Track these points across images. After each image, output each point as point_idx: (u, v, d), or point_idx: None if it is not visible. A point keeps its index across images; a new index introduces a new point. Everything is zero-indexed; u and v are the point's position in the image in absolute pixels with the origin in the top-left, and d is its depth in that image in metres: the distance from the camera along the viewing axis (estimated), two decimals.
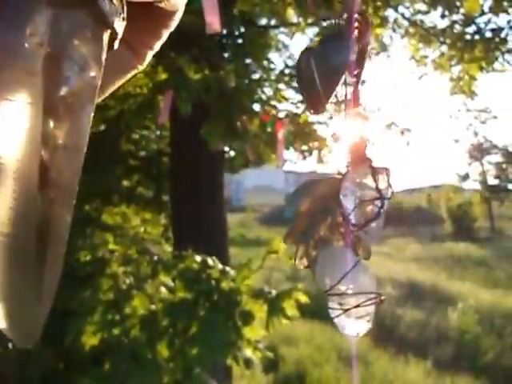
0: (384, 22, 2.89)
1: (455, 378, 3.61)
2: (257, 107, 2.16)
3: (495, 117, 14.30)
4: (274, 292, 1.61)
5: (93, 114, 0.18)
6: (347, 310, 0.19)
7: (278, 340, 4.06)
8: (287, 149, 2.66)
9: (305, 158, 3.58)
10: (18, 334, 0.17)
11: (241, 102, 1.73)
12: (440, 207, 13.26)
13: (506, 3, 2.71)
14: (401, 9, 3.11)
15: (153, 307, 1.72)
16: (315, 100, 0.19)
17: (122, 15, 0.18)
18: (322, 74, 0.18)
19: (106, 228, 3.39)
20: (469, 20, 2.90)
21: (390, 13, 3.06)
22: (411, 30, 3.38)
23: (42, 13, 0.15)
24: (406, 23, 3.40)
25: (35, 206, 0.16)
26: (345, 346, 4.21)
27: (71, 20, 0.16)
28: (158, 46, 0.22)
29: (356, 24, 0.19)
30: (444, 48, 3.23)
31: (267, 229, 11.66)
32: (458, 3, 2.74)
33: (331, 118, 3.32)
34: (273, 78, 2.83)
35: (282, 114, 2.69)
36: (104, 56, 0.17)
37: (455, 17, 2.93)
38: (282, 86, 3.05)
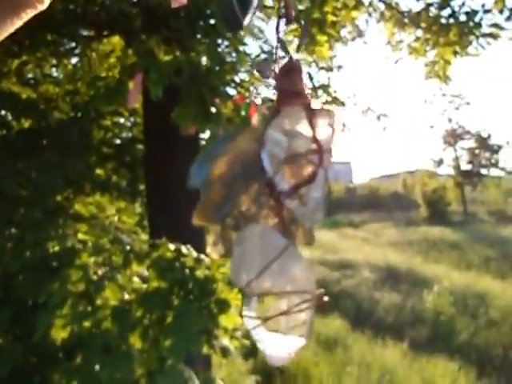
0: (359, 4, 2.85)
1: (431, 358, 3.68)
2: (231, 91, 2.11)
3: (468, 103, 14.55)
4: None
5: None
6: (268, 318, 0.13)
7: None
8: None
9: None
10: None
11: (213, 85, 1.67)
12: (415, 192, 13.48)
13: None
14: None
15: (126, 298, 1.67)
16: (234, 20, 0.15)
17: None
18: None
19: (79, 218, 3.29)
20: (444, 3, 2.89)
21: None
22: (387, 13, 3.36)
23: None
24: (381, 6, 3.38)
25: None
26: (323, 330, 4.24)
27: None
28: None
29: None
30: (419, 32, 3.23)
31: None
32: None
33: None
34: (248, 62, 2.77)
35: (258, 101, 2.64)
36: None
37: (429, 0, 2.91)
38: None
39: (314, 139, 0.13)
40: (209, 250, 0.16)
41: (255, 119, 1.81)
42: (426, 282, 6.08)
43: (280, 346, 0.13)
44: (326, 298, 0.14)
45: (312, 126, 0.14)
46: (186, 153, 2.73)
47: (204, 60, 1.91)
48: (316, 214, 0.14)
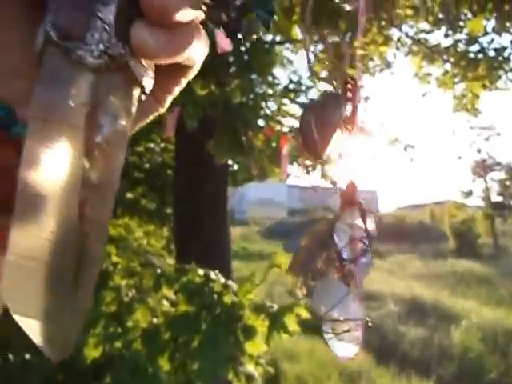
0: (388, 40, 2.93)
1: None
2: (261, 122, 2.19)
3: (498, 134, 14.34)
4: (275, 306, 1.61)
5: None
6: (338, 334, 0.21)
7: (279, 355, 4.02)
8: (291, 164, 2.68)
9: (308, 172, 3.60)
10: (53, 350, 0.19)
11: (246, 118, 1.75)
12: (443, 223, 13.21)
13: (508, 24, 2.74)
14: (404, 28, 3.16)
15: (155, 320, 1.72)
16: (313, 149, 0.21)
17: (150, 74, 0.20)
18: (319, 129, 0.20)
19: (109, 240, 3.41)
20: (472, 39, 2.94)
21: (393, 31, 3.10)
22: (415, 48, 3.42)
23: (86, 77, 0.18)
24: (409, 41, 3.45)
25: (75, 236, 0.18)
26: (347, 362, 4.17)
27: (109, 82, 0.19)
28: (177, 91, 0.24)
29: (348, 86, 0.21)
30: (447, 66, 3.27)
31: (269, 242, 11.63)
32: (461, 23, 2.78)
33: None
34: (277, 93, 2.87)
35: (286, 129, 2.72)
36: (134, 108, 0.20)
37: (458, 36, 2.97)
38: (286, 101, 3.09)
39: (365, 229, 0.20)
40: (296, 291, 0.22)
41: (285, 150, 1.88)
42: (454, 316, 5.91)
43: (344, 351, 0.20)
44: (369, 324, 0.21)
45: (363, 221, 0.20)
46: (215, 181, 2.81)
47: (237, 93, 2.01)
48: (366, 272, 0.21)
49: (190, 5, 0.20)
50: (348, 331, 0.21)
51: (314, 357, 4.32)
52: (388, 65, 3.83)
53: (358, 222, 0.21)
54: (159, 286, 1.81)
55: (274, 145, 1.92)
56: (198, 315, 1.70)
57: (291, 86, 3.21)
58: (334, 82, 0.22)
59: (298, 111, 3.03)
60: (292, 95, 3.04)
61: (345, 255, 0.21)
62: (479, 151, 14.24)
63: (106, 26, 0.18)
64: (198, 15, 0.21)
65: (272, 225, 14.25)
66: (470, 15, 2.81)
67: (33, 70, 0.20)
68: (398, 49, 3.48)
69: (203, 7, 0.21)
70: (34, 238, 0.18)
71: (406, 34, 3.11)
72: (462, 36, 2.97)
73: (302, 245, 0.21)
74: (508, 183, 13.91)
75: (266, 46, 2.51)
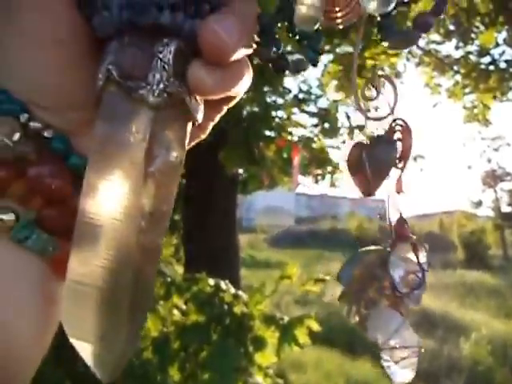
0: (398, 51, 2.94)
1: None
2: (272, 133, 2.20)
3: (508, 144, 14.25)
4: (286, 318, 1.61)
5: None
6: (396, 362, 0.22)
7: (286, 366, 4.00)
8: (302, 174, 2.69)
9: (317, 181, 3.61)
10: (104, 372, 0.20)
11: (258, 128, 1.77)
12: (452, 233, 13.11)
13: None
14: None
15: (165, 329, 1.73)
16: (366, 187, 0.22)
17: (202, 107, 0.21)
18: (372, 167, 0.21)
19: None
20: (483, 51, 2.94)
21: None
22: (425, 58, 3.43)
23: (146, 113, 0.19)
24: (420, 52, 3.45)
25: (131, 263, 0.19)
26: (353, 372, 4.14)
27: (165, 116, 0.21)
28: (218, 118, 0.25)
29: (399, 129, 0.22)
30: (458, 77, 3.27)
31: (277, 251, 11.60)
32: (472, 35, 2.78)
33: (344, 142, 3.35)
34: (287, 102, 2.89)
35: (295, 138, 2.74)
36: (187, 140, 0.21)
37: (470, 48, 2.97)
38: (295, 110, 3.11)
39: (418, 263, 0.21)
40: (350, 319, 0.23)
41: (296, 161, 1.89)
42: (463, 328, 5.85)
43: (402, 377, 0.21)
44: (422, 350, 0.22)
45: (416, 255, 0.21)
46: (224, 190, 2.83)
47: (248, 105, 2.02)
48: (418, 302, 0.22)
49: (244, 45, 0.21)
50: (405, 358, 0.22)
51: (321, 367, 4.29)
52: (398, 74, 3.84)
53: (411, 255, 0.22)
54: (170, 295, 1.81)
55: (285, 155, 1.94)
56: (208, 325, 1.70)
57: (301, 96, 3.23)
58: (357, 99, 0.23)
59: (308, 121, 3.05)
60: (302, 105, 3.06)
61: (400, 288, 0.22)
62: (489, 161, 14.16)
63: (166, 66, 0.20)
64: (249, 52, 0.22)
65: (279, 233, 14.23)
66: (481, 27, 2.81)
67: (90, 104, 0.21)
68: (408, 59, 3.48)
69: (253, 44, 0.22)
70: (90, 265, 0.19)
71: (417, 45, 3.11)
72: (473, 48, 2.97)
73: (355, 275, 0.22)
74: None
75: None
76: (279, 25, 0.22)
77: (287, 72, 0.23)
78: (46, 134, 0.21)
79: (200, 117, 0.22)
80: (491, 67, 3.02)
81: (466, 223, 12.86)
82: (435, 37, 3.01)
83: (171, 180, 0.21)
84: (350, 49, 3.07)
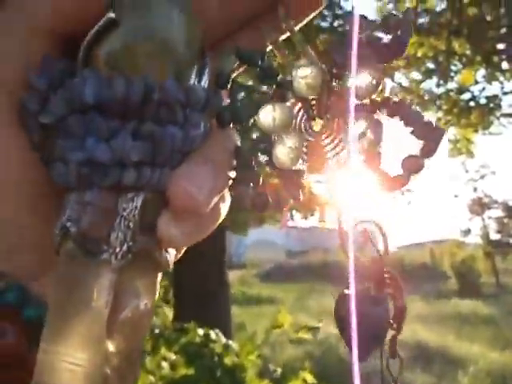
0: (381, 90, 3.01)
1: None
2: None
3: (493, 172, 14.51)
4: (279, 370, 1.55)
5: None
6: None
7: None
8: (291, 214, 2.68)
9: (306, 218, 3.59)
10: None
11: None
12: (443, 263, 13.10)
13: (498, 73, 2.83)
14: (397, 77, 3.25)
15: None
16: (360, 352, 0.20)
17: (173, 255, 0.20)
18: (364, 330, 0.19)
19: None
20: (463, 88, 3.02)
21: (386, 81, 3.18)
22: (407, 96, 3.51)
23: (107, 276, 0.17)
24: (400, 90, 3.54)
25: None
26: None
27: (132, 269, 0.19)
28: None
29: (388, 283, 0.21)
30: (440, 114, 3.34)
31: (268, 285, 11.44)
32: (452, 74, 2.86)
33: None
34: None
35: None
36: (157, 287, 0.21)
37: (450, 85, 3.05)
38: None
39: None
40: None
41: (286, 208, 1.88)
42: (461, 361, 5.75)
43: None
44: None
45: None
46: (214, 236, 2.80)
47: None
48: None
49: (219, 193, 0.19)
50: None
51: None
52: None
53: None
54: (158, 348, 1.75)
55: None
56: (198, 379, 1.64)
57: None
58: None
59: None
60: None
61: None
62: (475, 190, 14.35)
63: (131, 224, 0.18)
64: (226, 194, 0.20)
65: (270, 267, 14.09)
66: (459, 66, 2.90)
67: (47, 246, 0.19)
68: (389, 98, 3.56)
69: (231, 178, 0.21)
70: None
71: (400, 85, 3.19)
72: (453, 85, 3.06)
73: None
74: (506, 221, 13.92)
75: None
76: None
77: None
78: None
79: (171, 262, 0.20)
80: (472, 103, 3.10)
81: (457, 252, 12.89)
82: (416, 75, 3.10)
83: (141, 327, 0.20)
84: None
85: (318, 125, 0.20)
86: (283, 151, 0.20)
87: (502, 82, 2.90)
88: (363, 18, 0.21)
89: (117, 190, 0.18)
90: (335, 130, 0.20)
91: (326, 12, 2.57)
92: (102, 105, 0.17)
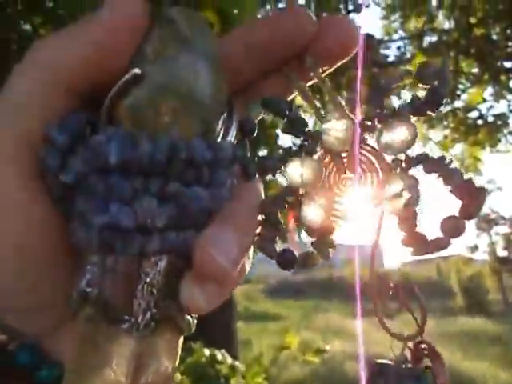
0: None
1: None
2: None
3: (500, 188, 14.43)
4: None
5: None
6: None
7: None
8: (298, 235, 2.67)
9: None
10: None
11: None
12: (450, 279, 12.95)
13: (505, 91, 2.82)
14: (403, 95, 3.25)
15: None
16: None
17: (194, 321, 0.19)
18: None
19: None
20: (471, 106, 3.01)
21: (393, 99, 3.18)
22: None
23: (128, 345, 0.16)
24: None
25: None
26: None
27: (153, 336, 0.18)
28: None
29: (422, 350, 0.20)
30: (447, 131, 3.33)
31: (274, 302, 11.36)
32: (458, 92, 2.86)
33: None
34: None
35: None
36: (179, 351, 0.20)
37: (457, 104, 3.04)
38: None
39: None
40: None
41: (292, 223, 1.86)
42: (470, 381, 5.64)
43: None
44: None
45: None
46: None
47: None
48: None
49: (245, 256, 0.19)
50: None
51: None
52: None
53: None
54: None
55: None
56: None
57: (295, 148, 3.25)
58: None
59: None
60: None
61: None
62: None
63: (154, 290, 0.17)
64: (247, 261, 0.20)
65: (275, 283, 13.99)
66: (467, 84, 2.90)
67: (62, 304, 0.19)
68: None
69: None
70: None
71: (405, 101, 3.19)
72: (459, 104, 3.05)
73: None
74: None
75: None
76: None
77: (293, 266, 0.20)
78: (10, 347, 0.18)
79: (193, 328, 0.19)
80: (479, 121, 3.09)
81: (464, 268, 12.75)
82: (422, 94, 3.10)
83: None
84: None
85: (348, 179, 0.19)
86: (312, 210, 0.19)
87: (509, 101, 2.90)
88: (395, 67, 0.20)
89: (140, 255, 0.17)
90: (367, 186, 0.19)
91: None
92: (126, 165, 0.16)
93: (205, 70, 0.18)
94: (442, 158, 0.18)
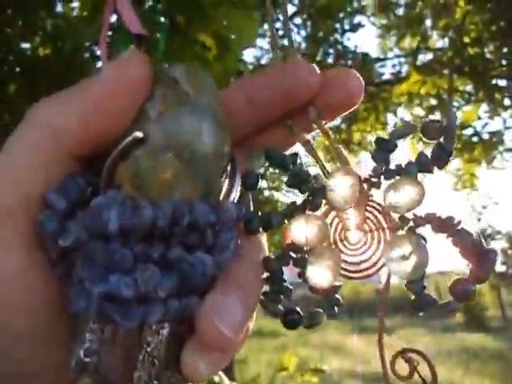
0: (384, 126, 3.03)
1: None
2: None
3: (496, 203, 14.47)
4: None
5: None
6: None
7: None
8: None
9: None
10: None
11: None
12: (448, 295, 12.86)
13: (500, 109, 2.85)
14: (400, 113, 3.27)
15: None
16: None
17: None
18: None
19: None
20: (466, 124, 3.03)
21: (390, 117, 3.21)
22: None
23: None
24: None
25: None
26: None
27: None
28: None
29: None
30: None
31: (270, 319, 11.25)
32: (454, 110, 2.88)
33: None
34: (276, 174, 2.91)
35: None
36: None
37: None
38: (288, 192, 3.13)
39: None
40: None
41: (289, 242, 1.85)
42: None
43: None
44: None
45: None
46: None
47: None
48: None
49: (249, 322, 0.18)
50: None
51: None
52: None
53: None
54: None
55: (277, 238, 1.92)
56: None
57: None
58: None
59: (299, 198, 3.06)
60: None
61: None
62: (479, 220, 14.27)
63: (155, 361, 0.16)
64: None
65: None
66: (461, 102, 2.93)
67: (54, 371, 0.18)
68: None
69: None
70: None
71: (402, 120, 3.22)
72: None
73: None
74: (510, 252, 13.77)
75: None
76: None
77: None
78: None
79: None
80: (475, 138, 3.11)
81: None
82: (419, 111, 3.12)
83: None
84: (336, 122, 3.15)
85: (354, 236, 0.19)
86: (318, 271, 0.18)
87: (504, 118, 2.92)
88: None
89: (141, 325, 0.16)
90: (374, 244, 0.19)
91: (330, 50, 2.61)
92: (126, 231, 0.16)
93: (208, 129, 0.17)
94: (451, 219, 0.18)
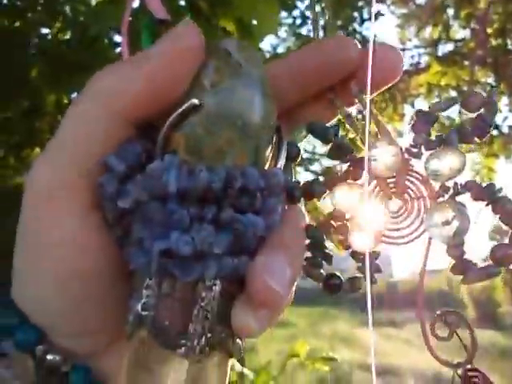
0: (402, 116, 3.00)
1: None
2: None
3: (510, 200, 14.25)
4: None
5: None
6: None
7: None
8: None
9: None
10: None
11: None
12: (460, 290, 12.82)
13: None
14: (418, 105, 3.23)
15: None
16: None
17: (243, 344, 0.20)
18: None
19: None
20: None
21: (407, 108, 3.18)
22: None
23: (182, 366, 0.17)
24: None
25: None
26: None
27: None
28: None
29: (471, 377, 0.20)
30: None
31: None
32: None
33: None
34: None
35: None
36: (227, 374, 0.20)
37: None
38: (300, 169, 3.13)
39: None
40: None
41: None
42: None
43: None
44: None
45: None
46: None
47: None
48: None
49: (296, 281, 0.19)
50: None
51: None
52: (401, 136, 3.90)
53: None
54: None
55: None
56: None
57: (305, 155, 3.26)
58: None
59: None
60: (307, 164, 3.08)
61: None
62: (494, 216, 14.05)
63: (209, 315, 0.17)
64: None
65: None
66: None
67: (114, 327, 0.19)
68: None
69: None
70: None
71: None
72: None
73: None
74: None
75: None
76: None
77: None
78: (63, 368, 0.19)
79: (242, 353, 0.19)
80: (494, 132, 3.07)
81: None
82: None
83: None
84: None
85: (394, 205, 0.20)
86: (359, 237, 0.19)
87: None
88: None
89: (197, 280, 0.17)
90: (414, 212, 0.19)
91: None
92: (183, 193, 0.17)
93: (258, 99, 0.18)
94: (491, 186, 0.19)
